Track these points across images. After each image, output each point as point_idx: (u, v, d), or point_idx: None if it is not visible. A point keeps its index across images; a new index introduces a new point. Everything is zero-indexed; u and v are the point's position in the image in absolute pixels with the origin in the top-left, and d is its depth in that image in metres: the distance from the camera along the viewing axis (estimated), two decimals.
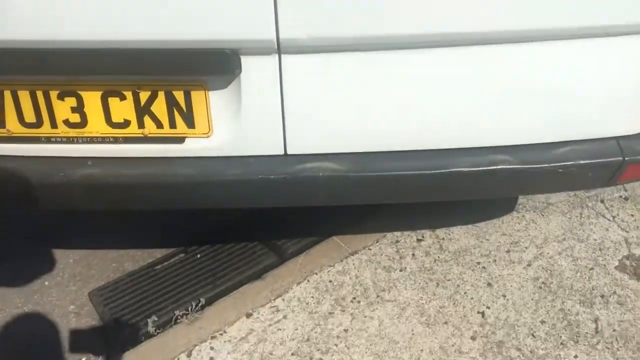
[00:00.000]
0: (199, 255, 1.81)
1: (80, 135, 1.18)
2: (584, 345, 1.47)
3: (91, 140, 1.19)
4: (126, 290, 1.68)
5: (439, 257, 1.75)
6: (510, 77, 1.17)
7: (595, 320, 1.54)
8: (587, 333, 1.50)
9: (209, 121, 1.17)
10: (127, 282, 1.72)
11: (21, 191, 1.25)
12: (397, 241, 1.82)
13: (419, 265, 1.72)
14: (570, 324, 1.52)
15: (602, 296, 1.61)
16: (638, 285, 1.65)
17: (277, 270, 1.72)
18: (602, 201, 1.97)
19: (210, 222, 1.93)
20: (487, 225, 1.86)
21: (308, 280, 1.67)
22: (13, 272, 1.79)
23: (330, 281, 1.67)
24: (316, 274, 1.70)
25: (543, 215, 1.90)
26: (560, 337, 1.49)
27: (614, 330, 1.51)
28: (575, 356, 1.44)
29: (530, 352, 1.45)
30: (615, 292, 1.62)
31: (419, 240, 1.81)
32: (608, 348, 1.46)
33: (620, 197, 2.00)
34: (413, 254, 1.76)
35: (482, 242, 1.79)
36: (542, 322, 1.53)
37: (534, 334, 1.50)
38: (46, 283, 1.77)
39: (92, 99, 1.14)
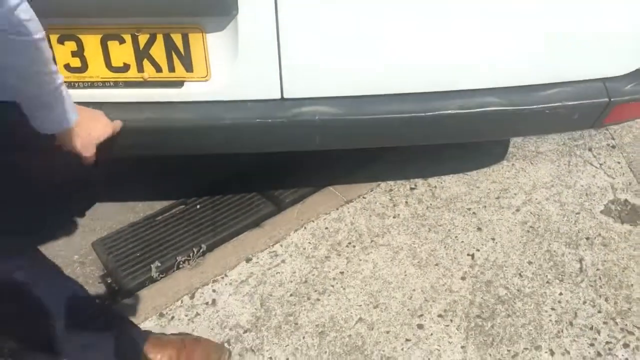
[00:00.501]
0: (198, 206, 1.86)
1: (81, 80, 1.21)
2: (569, 283, 1.54)
3: (92, 84, 1.22)
4: (128, 240, 1.74)
5: (431, 204, 1.80)
6: (499, 20, 1.20)
7: (580, 261, 1.61)
8: (571, 272, 1.57)
9: (207, 65, 1.20)
10: (129, 232, 1.77)
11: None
12: (391, 190, 1.87)
13: (411, 212, 1.77)
14: (556, 264, 1.59)
15: (587, 238, 1.67)
16: (622, 228, 1.71)
17: (275, 218, 1.77)
18: (590, 149, 2.02)
19: (209, 175, 1.97)
20: (478, 173, 1.91)
21: (305, 228, 1.73)
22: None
23: (327, 228, 1.73)
24: (313, 221, 1.75)
25: (532, 164, 1.95)
26: (546, 276, 1.56)
27: (598, 270, 1.58)
28: (560, 293, 1.51)
29: (517, 290, 1.52)
30: (600, 235, 1.69)
31: (411, 189, 1.87)
32: (591, 286, 1.54)
33: (608, 145, 2.05)
34: (406, 202, 1.82)
35: (472, 189, 1.85)
36: (529, 262, 1.60)
37: (521, 274, 1.57)
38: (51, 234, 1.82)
39: (91, 43, 1.16)
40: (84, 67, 1.19)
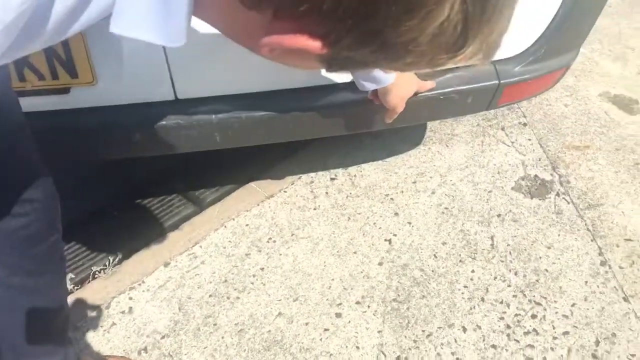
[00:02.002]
0: (115, 212, 1.81)
1: None
2: (481, 260, 1.60)
3: None
4: None
5: (350, 193, 1.82)
6: None
7: (492, 238, 1.67)
8: (483, 249, 1.63)
9: (92, 70, 1.16)
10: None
11: None
12: (312, 182, 1.88)
13: (331, 203, 1.79)
14: (469, 243, 1.65)
15: (499, 215, 1.74)
16: (531, 203, 1.79)
17: (195, 219, 1.75)
18: (502, 128, 2.09)
19: (126, 178, 1.92)
20: (396, 159, 1.94)
21: (225, 226, 1.72)
22: None
23: (247, 225, 1.72)
24: (233, 219, 1.74)
25: (448, 146, 2.00)
26: (460, 255, 1.61)
27: (508, 245, 1.65)
28: (473, 271, 1.57)
29: (432, 271, 1.57)
30: (510, 211, 1.75)
31: (332, 179, 1.88)
32: (502, 261, 1.60)
33: (520, 123, 2.13)
34: (326, 192, 1.83)
35: (391, 175, 1.88)
36: (444, 243, 1.64)
37: (436, 255, 1.61)
38: None
39: None
40: None
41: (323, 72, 1.25)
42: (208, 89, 1.24)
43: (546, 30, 1.33)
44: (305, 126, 1.33)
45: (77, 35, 1.11)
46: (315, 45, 0.41)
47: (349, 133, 1.39)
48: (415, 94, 1.29)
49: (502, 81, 1.34)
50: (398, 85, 1.20)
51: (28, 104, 1.19)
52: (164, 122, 1.23)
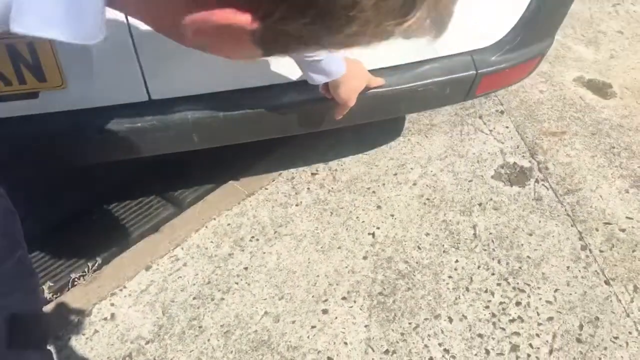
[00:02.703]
0: (93, 217, 1.77)
1: None
2: (464, 250, 1.61)
3: None
4: None
5: (332, 187, 1.81)
6: None
7: (474, 227, 1.67)
8: (466, 239, 1.64)
9: (60, 73, 1.12)
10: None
11: None
12: (293, 178, 1.86)
13: (313, 198, 1.78)
14: (452, 233, 1.65)
15: (480, 204, 1.75)
16: (511, 190, 1.80)
17: (175, 220, 1.72)
18: (480, 117, 2.10)
19: (102, 181, 1.88)
20: (377, 152, 1.94)
21: (206, 227, 1.69)
22: None
23: (229, 224, 1.70)
24: (214, 219, 1.72)
25: (427, 137, 2.00)
26: (443, 245, 1.62)
27: (490, 234, 1.66)
28: (456, 261, 1.57)
29: (416, 262, 1.57)
30: (491, 199, 1.76)
31: (313, 174, 1.87)
32: (485, 250, 1.61)
33: (497, 111, 2.14)
34: (308, 188, 1.82)
35: (371, 168, 1.88)
36: (427, 234, 1.65)
37: (420, 246, 1.61)
38: None
39: None
40: None
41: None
42: (183, 88, 1.21)
43: (521, 18, 1.33)
44: (287, 123, 1.31)
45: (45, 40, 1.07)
46: (244, 18, 0.37)
47: (329, 128, 1.38)
48: (367, 88, 1.28)
49: (479, 71, 1.34)
50: (349, 78, 1.17)
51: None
52: (138, 124, 1.20)
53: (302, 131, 1.39)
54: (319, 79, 1.16)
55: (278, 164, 1.91)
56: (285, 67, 1.24)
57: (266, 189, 1.83)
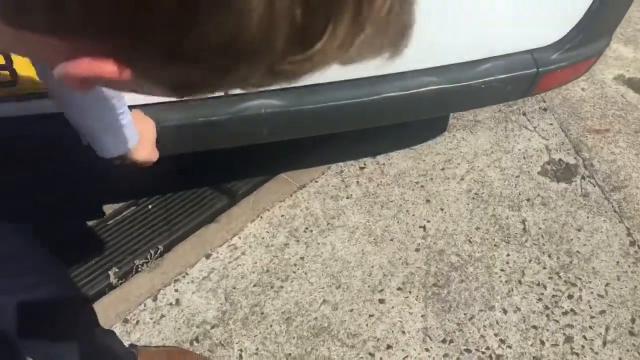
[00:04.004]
0: (150, 206, 1.83)
1: None
2: (515, 244, 1.64)
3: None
4: (82, 247, 1.70)
5: (381, 181, 1.86)
6: (432, 2, 1.23)
7: (523, 222, 1.71)
8: (516, 234, 1.67)
9: None
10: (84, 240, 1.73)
11: None
12: (342, 171, 1.91)
13: (363, 191, 1.82)
14: (502, 227, 1.69)
15: (528, 200, 1.78)
16: (558, 187, 1.83)
17: (230, 211, 1.78)
18: (524, 114, 2.13)
19: (158, 172, 1.93)
20: (423, 147, 1.98)
21: (261, 217, 1.74)
22: None
23: (283, 215, 1.75)
24: (268, 210, 1.77)
25: (472, 133, 2.03)
26: (494, 239, 1.65)
27: (540, 228, 1.69)
28: (508, 254, 1.61)
29: (468, 256, 1.61)
30: (539, 195, 1.80)
31: (361, 168, 1.91)
32: (535, 244, 1.64)
33: (540, 108, 2.16)
34: (357, 181, 1.86)
35: (419, 163, 1.92)
36: (477, 228, 1.69)
37: (471, 240, 1.65)
38: None
39: None
40: None
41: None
42: None
43: (583, 17, 1.36)
44: (350, 118, 1.35)
45: None
46: (109, 69, 0.29)
47: (387, 124, 1.42)
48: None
49: (540, 69, 1.37)
50: (143, 133, 0.92)
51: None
52: (213, 118, 1.25)
53: (365, 126, 1.43)
54: (115, 148, 0.87)
55: (326, 157, 1.96)
56: (359, 65, 1.28)
57: (316, 181, 1.88)
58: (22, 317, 0.94)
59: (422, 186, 1.83)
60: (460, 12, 1.26)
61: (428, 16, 1.23)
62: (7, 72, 1.12)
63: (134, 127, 0.87)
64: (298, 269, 1.58)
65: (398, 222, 1.71)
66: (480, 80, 1.34)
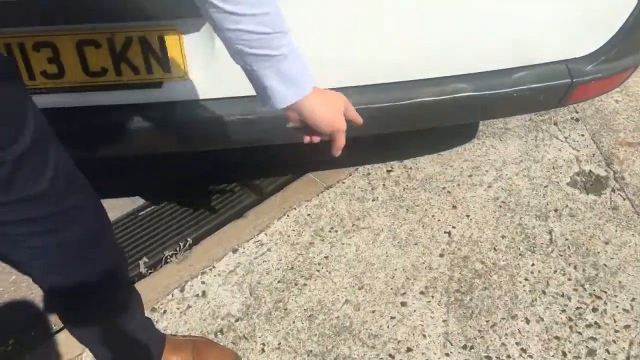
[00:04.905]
0: (180, 200, 1.88)
1: (60, 86, 1.21)
2: (540, 254, 1.63)
3: (70, 90, 1.22)
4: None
5: (407, 185, 1.87)
6: (466, 8, 1.24)
7: (550, 232, 1.70)
8: (542, 244, 1.66)
9: (184, 65, 1.21)
10: (113, 229, 1.78)
11: None
12: (369, 174, 1.92)
13: (389, 194, 1.84)
14: (528, 236, 1.68)
15: (556, 210, 1.77)
16: (587, 199, 1.81)
17: (258, 207, 1.81)
18: (555, 124, 2.11)
19: (187, 167, 1.99)
20: (451, 153, 1.98)
21: (288, 215, 1.77)
22: None
23: (309, 214, 1.78)
24: (295, 208, 1.80)
25: (501, 140, 2.03)
26: (519, 248, 1.65)
27: (566, 240, 1.68)
28: (532, 264, 1.61)
29: (493, 263, 1.61)
30: (567, 206, 1.78)
31: (388, 172, 1.93)
32: (561, 255, 1.63)
33: (572, 118, 2.14)
34: (384, 184, 1.88)
35: (446, 169, 1.92)
36: (503, 236, 1.68)
37: (496, 248, 1.65)
38: None
39: (67, 49, 1.16)
40: (61, 73, 1.19)
41: (407, 68, 1.29)
42: None
43: (619, 30, 1.35)
44: (387, 121, 1.37)
45: (173, 33, 1.17)
46: None
47: (420, 128, 1.43)
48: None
49: (574, 80, 1.36)
50: (322, 91, 0.82)
51: (122, 96, 1.26)
52: (249, 117, 1.28)
53: (397, 130, 1.45)
54: (287, 95, 0.77)
55: (354, 159, 1.98)
56: (382, 66, 1.29)
57: (343, 182, 1.90)
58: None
59: (448, 192, 1.84)
60: (495, 19, 1.27)
61: (463, 23, 1.25)
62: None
63: (302, 61, 0.76)
64: (322, 267, 1.61)
65: (423, 226, 1.72)
66: (513, 89, 1.34)
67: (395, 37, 1.25)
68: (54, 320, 1.53)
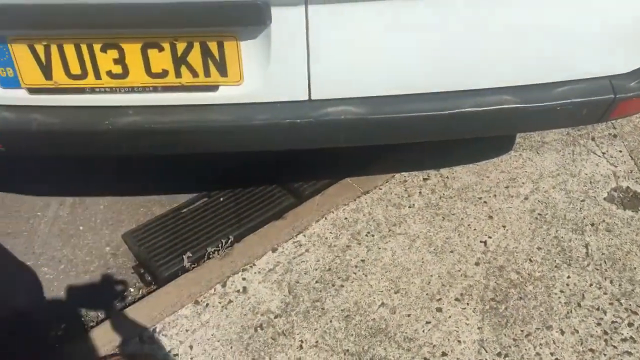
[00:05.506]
0: (221, 199, 1.95)
1: (123, 86, 1.29)
2: (576, 267, 1.65)
3: (132, 90, 1.30)
4: (158, 232, 1.83)
5: (444, 194, 1.90)
6: (511, 22, 1.27)
7: (586, 246, 1.71)
8: (578, 257, 1.68)
9: (240, 70, 1.28)
10: (157, 225, 1.86)
11: (68, 139, 1.37)
12: (405, 181, 1.96)
13: (425, 202, 1.87)
14: (564, 249, 1.70)
15: (592, 224, 1.78)
16: (625, 214, 1.81)
17: (297, 209, 1.86)
18: (593, 139, 2.11)
19: (229, 167, 2.06)
20: (487, 164, 2.00)
21: (326, 218, 1.82)
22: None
23: (346, 218, 1.82)
24: (332, 212, 1.85)
25: (539, 153, 2.04)
26: (555, 260, 1.66)
27: (603, 254, 1.68)
28: (568, 277, 1.62)
29: (528, 274, 1.63)
30: (604, 221, 1.79)
31: (425, 179, 1.96)
32: (597, 269, 1.64)
33: (610, 134, 2.14)
34: (420, 192, 1.91)
35: (483, 179, 1.94)
36: (539, 248, 1.70)
37: (531, 259, 1.67)
38: (81, 228, 1.91)
39: (132, 51, 1.24)
40: (125, 74, 1.27)
41: (450, 78, 1.33)
42: (339, 91, 1.33)
43: None
44: (426, 130, 1.41)
45: (232, 40, 1.23)
46: None
47: (459, 137, 1.47)
48: None
49: (617, 95, 1.38)
50: None
51: (180, 98, 1.33)
52: (297, 121, 1.34)
53: (437, 138, 1.48)
54: None
55: (391, 166, 2.02)
56: (426, 76, 1.34)
57: (380, 188, 1.94)
58: None
59: (485, 202, 1.86)
60: (541, 33, 1.30)
61: (508, 35, 1.28)
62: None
63: None
64: (359, 270, 1.65)
65: (459, 235, 1.75)
66: (556, 102, 1.37)
67: (442, 49, 1.29)
68: (92, 315, 1.61)
